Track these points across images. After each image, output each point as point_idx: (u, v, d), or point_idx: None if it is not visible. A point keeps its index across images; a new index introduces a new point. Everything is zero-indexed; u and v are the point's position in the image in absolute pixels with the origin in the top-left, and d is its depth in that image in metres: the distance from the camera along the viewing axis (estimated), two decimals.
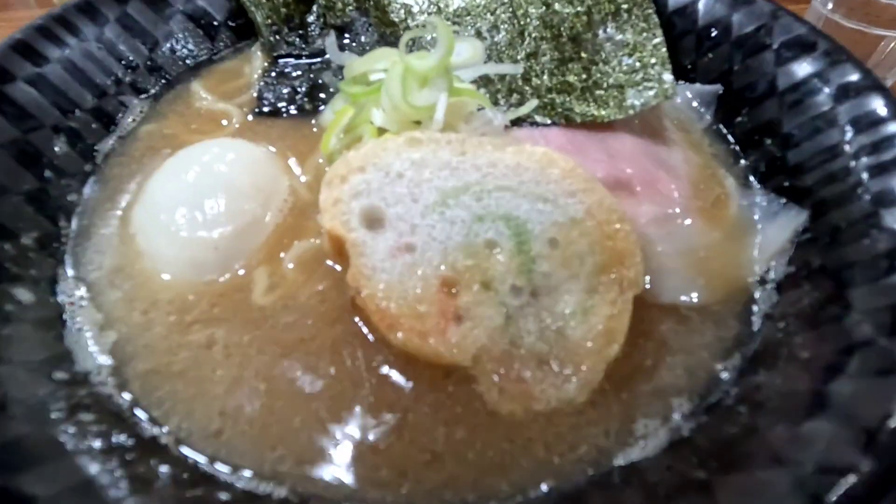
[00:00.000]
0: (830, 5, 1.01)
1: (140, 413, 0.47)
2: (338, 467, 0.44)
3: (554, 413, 0.47)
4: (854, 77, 0.60)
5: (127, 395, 0.48)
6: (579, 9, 0.75)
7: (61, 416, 0.42)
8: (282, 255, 0.59)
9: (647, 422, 0.47)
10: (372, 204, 0.54)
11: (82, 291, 0.56)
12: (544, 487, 0.43)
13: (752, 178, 0.68)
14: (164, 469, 0.42)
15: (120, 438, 0.43)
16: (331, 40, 0.73)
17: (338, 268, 0.58)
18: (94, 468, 0.39)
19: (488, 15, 0.79)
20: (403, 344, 0.48)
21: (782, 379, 0.44)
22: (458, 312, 0.50)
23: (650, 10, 0.73)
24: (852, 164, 0.55)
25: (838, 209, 0.54)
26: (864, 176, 0.53)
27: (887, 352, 0.38)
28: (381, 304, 0.49)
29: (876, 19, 0.97)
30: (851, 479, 0.31)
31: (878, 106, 0.56)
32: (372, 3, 0.85)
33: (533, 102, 0.71)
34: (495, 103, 0.72)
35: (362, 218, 0.53)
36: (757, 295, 0.55)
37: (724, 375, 0.49)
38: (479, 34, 0.79)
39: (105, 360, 0.50)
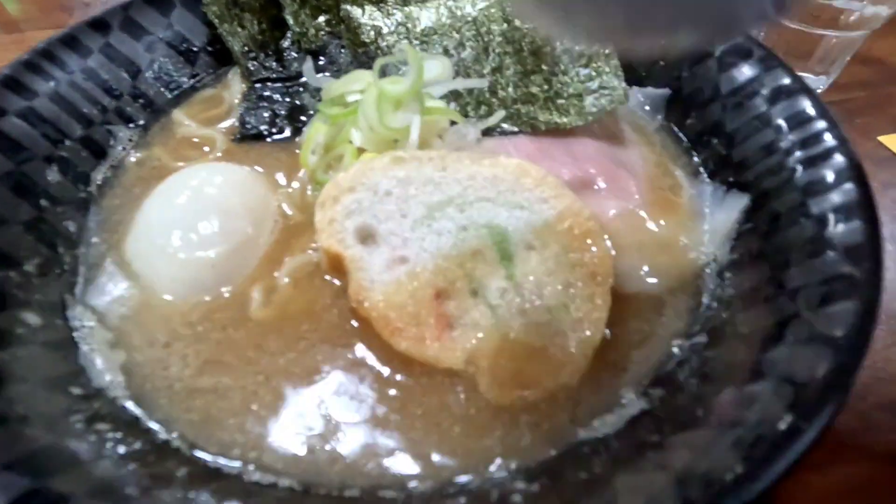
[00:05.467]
0: None
1: (152, 422, 0.51)
2: (341, 459, 0.49)
3: (545, 401, 0.52)
4: (786, 81, 0.66)
5: (139, 407, 0.52)
6: None
7: (81, 427, 0.46)
8: (276, 273, 0.63)
9: (611, 399, 0.52)
10: (364, 222, 0.59)
11: (90, 314, 0.59)
12: (525, 463, 0.48)
13: (702, 172, 0.74)
14: (179, 469, 0.46)
15: (136, 444, 0.47)
16: (308, 65, 0.77)
17: (335, 282, 0.62)
18: (115, 470, 0.43)
19: (454, 33, 0.85)
20: (405, 349, 0.53)
21: (727, 352, 0.50)
22: (451, 318, 0.55)
23: None
24: (786, 159, 0.61)
25: (775, 200, 0.60)
26: (796, 169, 0.59)
27: (812, 323, 0.44)
28: (383, 313, 0.54)
29: (816, 20, 1.04)
30: (777, 430, 0.37)
31: (807, 106, 0.63)
32: (343, 26, 0.89)
33: (500, 113, 0.76)
34: (465, 115, 0.78)
35: (356, 235, 0.58)
36: (706, 280, 0.62)
37: (678, 352, 0.55)
38: (446, 52, 0.84)
39: (117, 376, 0.54)
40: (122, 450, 0.45)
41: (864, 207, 0.50)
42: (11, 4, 1.26)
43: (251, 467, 0.48)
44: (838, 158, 0.55)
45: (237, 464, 0.48)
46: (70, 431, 0.45)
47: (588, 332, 0.55)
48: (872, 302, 0.43)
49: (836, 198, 0.53)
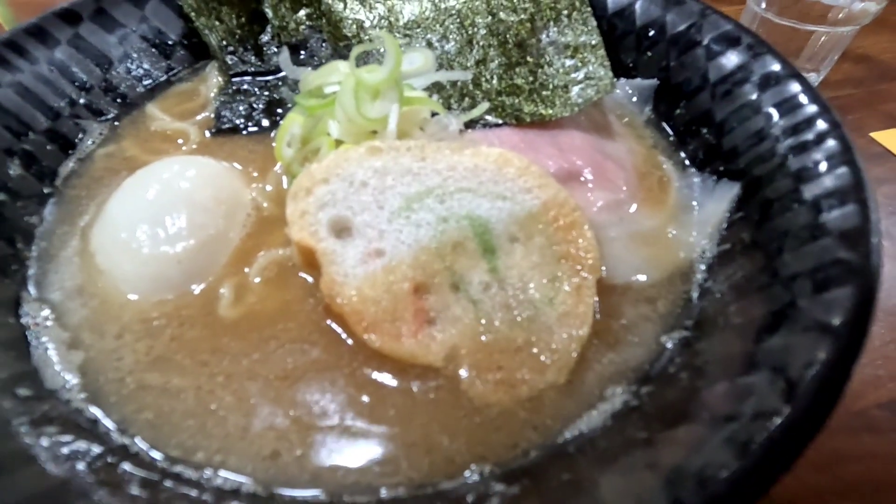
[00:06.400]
0: (764, 4, 1.08)
1: (110, 424, 0.47)
2: (309, 463, 0.46)
3: (527, 398, 0.49)
4: (775, 67, 0.64)
5: (96, 409, 0.48)
6: (523, 17, 0.79)
7: (26, 430, 0.42)
8: (246, 269, 0.60)
9: (597, 395, 0.49)
10: (339, 214, 0.56)
11: (46, 312, 0.56)
12: (505, 465, 0.45)
13: (689, 164, 0.72)
14: (135, 474, 0.42)
15: (91, 447, 0.43)
16: (284, 56, 0.74)
17: (308, 279, 0.59)
18: (63, 475, 0.39)
19: (438, 26, 0.83)
20: (379, 347, 0.50)
21: (719, 344, 0.47)
22: (430, 313, 0.52)
23: (588, 14, 0.78)
24: (777, 145, 0.59)
25: (767, 187, 0.58)
26: (787, 155, 0.57)
27: (808, 311, 0.42)
28: (356, 308, 0.51)
29: (805, 16, 1.04)
30: (773, 424, 0.34)
31: (797, 91, 0.61)
32: (325, 20, 0.87)
33: (484, 105, 0.74)
34: (448, 108, 0.76)
35: (330, 228, 0.55)
36: (697, 271, 0.59)
37: (669, 345, 0.52)
38: (429, 44, 0.82)
39: (73, 377, 0.50)
40: (68, 452, 0.42)
41: (858, 191, 0.48)
42: (4, 14, 1.24)
43: (212, 471, 0.44)
44: (830, 142, 0.53)
45: (197, 467, 0.45)
46: (14, 434, 0.42)
47: (574, 328, 0.52)
48: (870, 286, 0.40)
49: (829, 182, 0.50)
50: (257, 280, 0.59)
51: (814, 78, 1.13)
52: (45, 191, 0.68)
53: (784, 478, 0.33)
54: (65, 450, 0.42)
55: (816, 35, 1.05)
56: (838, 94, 1.14)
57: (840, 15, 1.03)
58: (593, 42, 0.75)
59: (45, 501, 0.36)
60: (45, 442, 0.42)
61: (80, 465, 0.41)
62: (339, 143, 0.67)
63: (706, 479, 0.33)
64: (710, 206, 0.64)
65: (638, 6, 0.81)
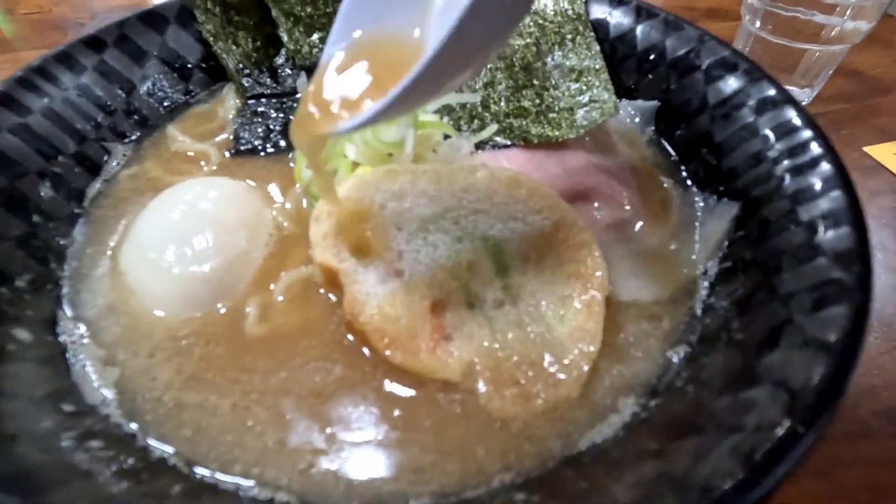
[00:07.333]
0: (758, 23, 1.12)
1: (149, 439, 0.50)
2: (341, 475, 0.48)
3: (544, 412, 0.52)
4: (771, 92, 0.68)
5: (134, 424, 0.51)
6: (528, 41, 0.83)
7: (73, 444, 0.45)
8: (271, 286, 0.63)
9: (610, 407, 0.52)
10: (359, 236, 0.59)
11: (82, 330, 0.58)
12: (525, 474, 0.48)
13: (691, 183, 0.75)
14: (174, 486, 0.45)
15: (130, 461, 0.46)
16: (302, 80, 0.78)
17: (331, 297, 0.61)
18: (108, 487, 0.42)
19: None
20: (400, 362, 0.53)
21: (722, 359, 0.50)
22: (447, 330, 0.55)
23: (591, 39, 0.81)
24: (774, 168, 0.62)
25: (765, 208, 0.61)
26: (784, 177, 0.60)
27: (805, 328, 0.45)
28: (378, 325, 0.54)
29: (799, 34, 1.07)
30: (775, 435, 0.37)
31: (793, 116, 0.64)
32: None
33: (493, 127, 0.77)
34: (458, 129, 0.79)
35: (352, 249, 0.58)
36: (700, 288, 0.62)
37: (675, 360, 0.55)
38: None
39: (110, 393, 0.53)
40: (115, 467, 0.44)
41: (852, 213, 0.51)
42: (5, 25, 1.27)
43: (250, 483, 0.47)
44: (825, 166, 0.56)
45: (235, 480, 0.47)
46: (62, 449, 0.44)
47: (585, 343, 0.55)
48: (864, 306, 0.43)
49: (824, 204, 0.54)
50: (281, 298, 0.62)
51: (808, 93, 1.16)
52: (75, 211, 0.70)
53: (785, 485, 0.36)
54: (108, 462, 0.45)
55: (810, 52, 1.09)
56: (831, 109, 1.17)
57: (833, 33, 1.07)
58: (597, 66, 0.79)
59: None
60: (90, 455, 0.45)
61: (123, 477, 0.44)
62: (355, 164, 0.71)
63: (712, 488, 0.36)
64: (712, 225, 0.67)
65: (639, 31, 0.84)
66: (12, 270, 0.59)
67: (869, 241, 0.48)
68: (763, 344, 0.47)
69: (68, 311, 0.60)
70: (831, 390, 0.39)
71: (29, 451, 0.42)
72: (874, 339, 0.75)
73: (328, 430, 0.51)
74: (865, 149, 1.07)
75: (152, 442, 0.50)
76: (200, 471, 0.48)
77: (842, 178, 0.54)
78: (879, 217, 0.94)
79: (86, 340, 0.57)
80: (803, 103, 1.17)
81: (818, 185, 0.56)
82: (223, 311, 0.61)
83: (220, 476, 0.47)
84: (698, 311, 0.60)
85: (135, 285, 0.62)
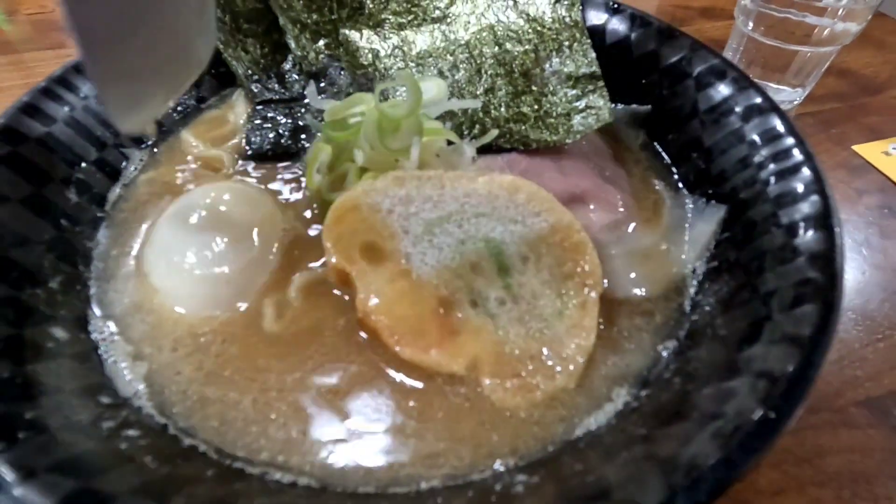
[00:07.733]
0: (751, 25, 1.15)
1: (179, 428, 0.54)
2: (358, 460, 0.52)
3: (543, 402, 0.56)
4: (757, 100, 0.71)
5: (164, 415, 0.55)
6: (527, 47, 0.86)
7: (114, 433, 0.49)
8: (285, 287, 0.66)
9: (603, 397, 0.57)
10: (369, 239, 0.63)
11: (111, 327, 0.63)
12: (526, 459, 0.52)
13: (681, 186, 0.79)
14: (208, 471, 0.49)
15: (165, 449, 0.50)
16: (311, 88, 0.81)
17: (343, 296, 0.66)
18: (149, 472, 0.46)
19: (448, 56, 0.90)
20: (409, 358, 0.57)
21: (707, 352, 0.54)
22: (452, 327, 0.59)
23: (588, 46, 0.85)
24: (759, 172, 0.66)
25: (750, 211, 0.65)
26: (768, 182, 0.64)
27: (781, 325, 0.49)
28: (388, 323, 0.58)
29: (790, 36, 1.11)
30: (750, 421, 0.41)
31: (777, 124, 0.68)
32: (342, 49, 0.94)
33: (493, 132, 0.81)
34: (460, 135, 0.82)
35: (362, 252, 0.62)
36: (689, 286, 0.66)
37: (664, 353, 0.60)
38: (441, 73, 0.89)
39: (141, 386, 0.57)
40: (153, 454, 0.48)
41: (826, 217, 0.55)
42: (7, 26, 1.28)
43: (273, 469, 0.51)
44: (805, 172, 0.60)
45: (257, 467, 0.52)
46: (104, 438, 0.48)
47: (582, 338, 0.59)
48: (833, 303, 0.47)
49: (803, 208, 0.58)
50: (295, 297, 0.66)
51: (800, 92, 1.19)
52: (98, 215, 0.74)
53: (759, 465, 0.40)
54: (146, 450, 0.49)
55: (801, 54, 1.12)
56: (822, 108, 1.21)
57: (823, 35, 1.10)
58: (593, 73, 0.82)
59: (146, 494, 0.43)
60: (129, 443, 0.49)
61: (162, 463, 0.48)
62: (363, 169, 0.74)
63: (694, 467, 0.40)
64: (701, 226, 0.71)
65: (633, 39, 0.88)
66: (45, 272, 0.63)
67: (838, 244, 0.52)
68: (744, 339, 0.51)
69: (97, 311, 0.64)
70: (800, 380, 0.43)
71: (76, 440, 0.46)
72: (857, 332, 0.78)
73: (346, 421, 0.55)
74: (854, 147, 1.10)
75: (182, 431, 0.54)
76: (228, 458, 0.52)
77: (819, 183, 0.58)
78: (866, 215, 0.97)
79: (116, 338, 0.62)
80: (795, 103, 1.21)
81: (799, 189, 0.60)
82: (242, 309, 0.65)
83: (247, 463, 0.52)
84: (687, 308, 0.64)
85: (158, 285, 0.66)
